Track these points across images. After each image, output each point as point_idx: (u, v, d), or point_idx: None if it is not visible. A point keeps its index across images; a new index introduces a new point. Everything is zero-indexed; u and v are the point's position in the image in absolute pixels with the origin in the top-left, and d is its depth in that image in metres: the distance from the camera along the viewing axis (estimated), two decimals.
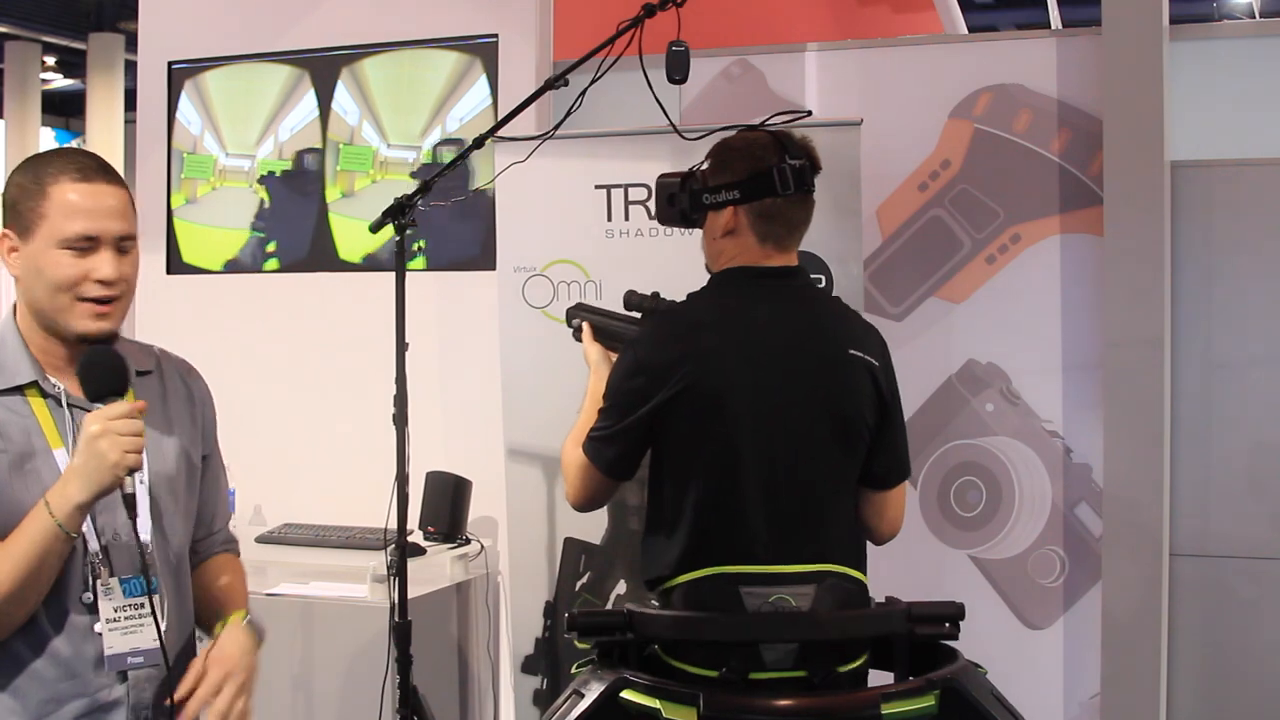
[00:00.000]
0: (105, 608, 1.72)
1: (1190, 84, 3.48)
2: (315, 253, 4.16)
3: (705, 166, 2.22)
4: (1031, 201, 3.56)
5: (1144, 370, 3.36)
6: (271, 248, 4.22)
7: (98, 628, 1.72)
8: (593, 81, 2.50)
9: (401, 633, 2.97)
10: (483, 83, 3.96)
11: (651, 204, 3.13)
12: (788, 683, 1.97)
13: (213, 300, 4.26)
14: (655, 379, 2.06)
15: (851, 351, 2.12)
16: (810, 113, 2.36)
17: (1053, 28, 7.41)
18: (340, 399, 4.01)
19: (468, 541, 3.72)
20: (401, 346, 2.91)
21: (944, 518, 3.64)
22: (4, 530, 1.66)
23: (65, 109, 21.50)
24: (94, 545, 1.73)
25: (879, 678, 2.11)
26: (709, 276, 2.24)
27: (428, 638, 3.23)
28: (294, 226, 4.20)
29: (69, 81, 20.09)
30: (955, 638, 2.02)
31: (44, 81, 19.48)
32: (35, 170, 1.71)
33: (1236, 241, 3.42)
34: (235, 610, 1.88)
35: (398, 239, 2.88)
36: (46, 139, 20.59)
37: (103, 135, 17.81)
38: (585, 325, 2.55)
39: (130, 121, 13.98)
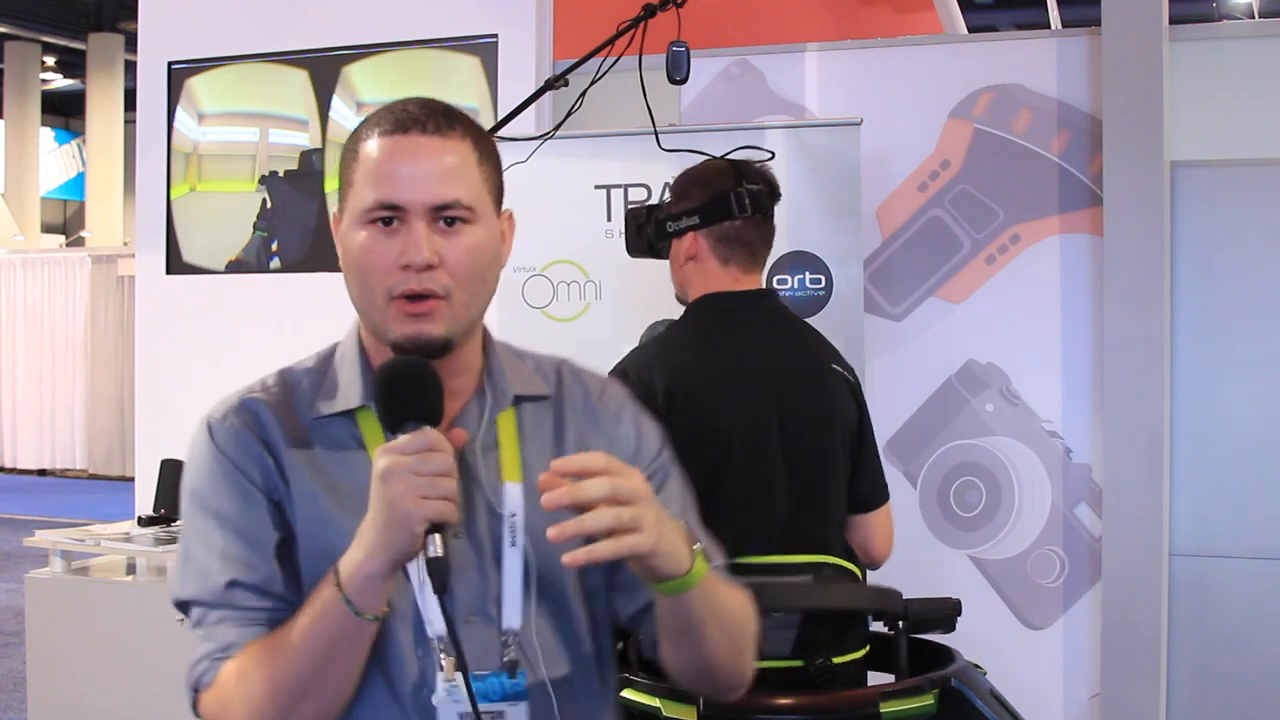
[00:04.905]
0: (446, 717, 1.25)
1: (1190, 84, 3.48)
2: (315, 253, 4.17)
3: (669, 198, 2.31)
4: (1031, 201, 3.56)
5: (1144, 370, 3.36)
6: (276, 247, 4.22)
7: None
8: (593, 82, 2.51)
9: None
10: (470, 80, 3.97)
11: (652, 204, 3.15)
12: (783, 673, 1.98)
13: (212, 300, 4.26)
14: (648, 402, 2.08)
15: (833, 366, 2.20)
16: (774, 154, 2.46)
17: (1052, 28, 7.40)
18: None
19: None
20: None
21: (944, 518, 3.64)
22: None
23: (65, 109, 21.53)
24: (435, 627, 1.24)
25: (879, 680, 2.11)
26: (684, 308, 2.28)
27: None
28: (295, 227, 4.20)
29: (69, 81, 20.13)
30: (951, 630, 2.04)
31: (44, 81, 19.52)
32: (359, 127, 1.31)
33: (1236, 241, 3.42)
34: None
35: None
36: (46, 139, 20.62)
37: (103, 135, 17.85)
38: None
39: (130, 121, 14.01)
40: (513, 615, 1.27)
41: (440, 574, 1.15)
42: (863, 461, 2.20)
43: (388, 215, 1.24)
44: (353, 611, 1.18)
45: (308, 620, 1.20)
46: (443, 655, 1.23)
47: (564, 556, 1.14)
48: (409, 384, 1.22)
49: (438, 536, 1.15)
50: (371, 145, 1.25)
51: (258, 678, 1.21)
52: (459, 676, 1.20)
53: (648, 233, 2.30)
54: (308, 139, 4.19)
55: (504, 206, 1.34)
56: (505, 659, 1.26)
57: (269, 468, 1.29)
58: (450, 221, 1.25)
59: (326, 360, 1.39)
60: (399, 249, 1.24)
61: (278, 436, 1.31)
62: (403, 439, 1.17)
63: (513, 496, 1.28)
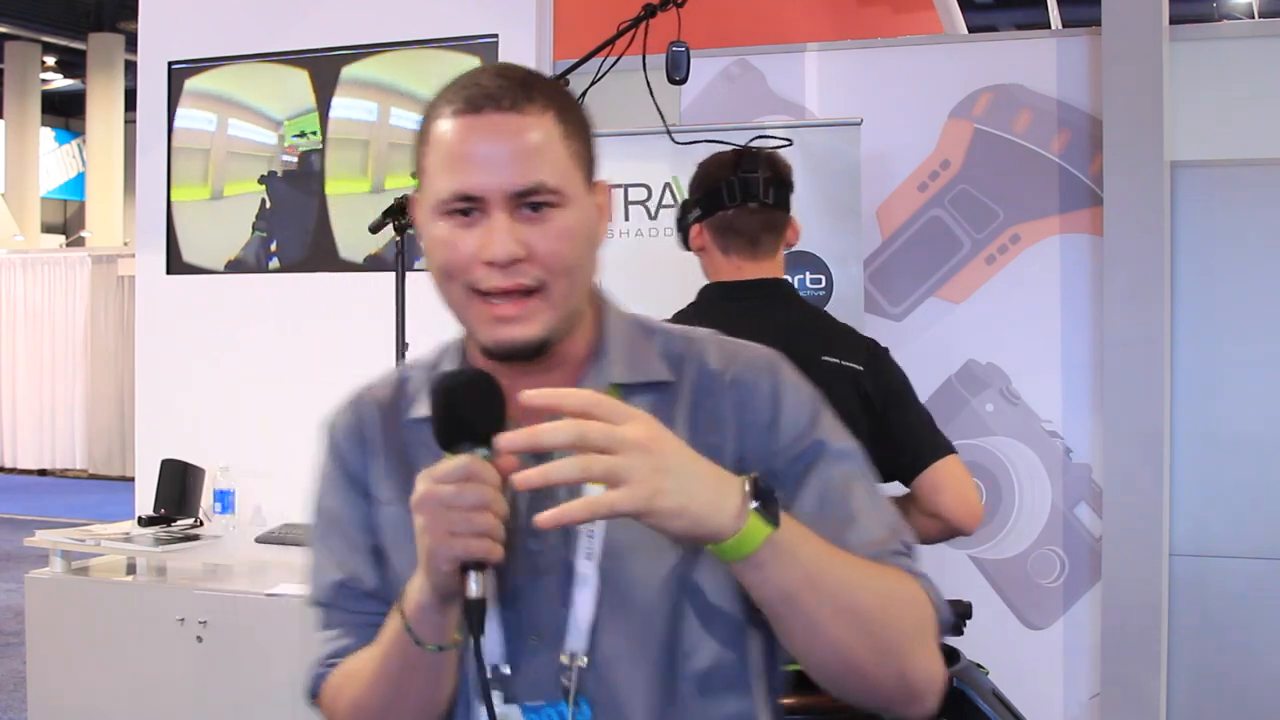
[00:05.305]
0: None
1: (1190, 84, 3.48)
2: (315, 253, 4.17)
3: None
4: (1031, 201, 3.57)
5: (1144, 370, 3.36)
6: (275, 247, 4.23)
7: None
8: (593, 82, 2.51)
9: None
10: None
11: (651, 204, 3.17)
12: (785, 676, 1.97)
13: (212, 300, 4.26)
14: None
15: (825, 358, 2.14)
16: (790, 141, 2.47)
17: (1052, 28, 7.40)
18: (340, 399, 4.01)
19: None
20: (401, 346, 2.91)
21: None
22: None
23: (65, 109, 21.55)
24: (491, 657, 1.13)
25: None
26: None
27: None
28: (294, 227, 4.20)
29: (69, 81, 20.15)
30: (960, 633, 2.03)
31: (44, 81, 19.53)
32: (430, 106, 1.16)
33: (1236, 242, 3.42)
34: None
35: (398, 239, 2.88)
36: (46, 139, 20.63)
37: (103, 135, 17.86)
38: None
39: (130, 121, 14.02)
40: (578, 640, 1.13)
41: (475, 617, 1.02)
42: (895, 432, 2.13)
43: (465, 206, 1.11)
44: (413, 640, 1.09)
45: (382, 645, 1.14)
46: (497, 688, 1.13)
47: (536, 517, 0.99)
48: (464, 401, 1.06)
49: (476, 575, 1.03)
50: (443, 127, 1.12)
51: (347, 698, 1.18)
52: (511, 710, 1.12)
53: (682, 226, 2.32)
54: (307, 139, 4.19)
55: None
56: (565, 688, 1.13)
57: (365, 468, 1.23)
58: (536, 207, 1.11)
59: (440, 356, 1.27)
60: (480, 242, 1.10)
61: (377, 436, 1.23)
62: (442, 466, 1.03)
63: None
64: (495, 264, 1.10)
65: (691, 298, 2.28)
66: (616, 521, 1.09)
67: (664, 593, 1.14)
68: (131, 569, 3.88)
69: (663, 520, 0.99)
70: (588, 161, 1.18)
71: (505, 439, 1.00)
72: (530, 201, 1.11)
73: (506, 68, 1.15)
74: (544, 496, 1.12)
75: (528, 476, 0.98)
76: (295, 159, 4.20)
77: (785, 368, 1.23)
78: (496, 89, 1.11)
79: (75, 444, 12.95)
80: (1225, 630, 3.41)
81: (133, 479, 4.35)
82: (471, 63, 3.96)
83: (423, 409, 1.20)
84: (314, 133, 4.17)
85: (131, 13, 5.04)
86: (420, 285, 4.07)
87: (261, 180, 4.24)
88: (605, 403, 1.00)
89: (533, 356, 1.14)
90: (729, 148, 2.32)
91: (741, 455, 1.16)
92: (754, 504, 1.02)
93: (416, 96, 4.04)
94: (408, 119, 4.05)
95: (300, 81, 4.19)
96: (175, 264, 4.34)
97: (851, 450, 1.20)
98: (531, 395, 1.00)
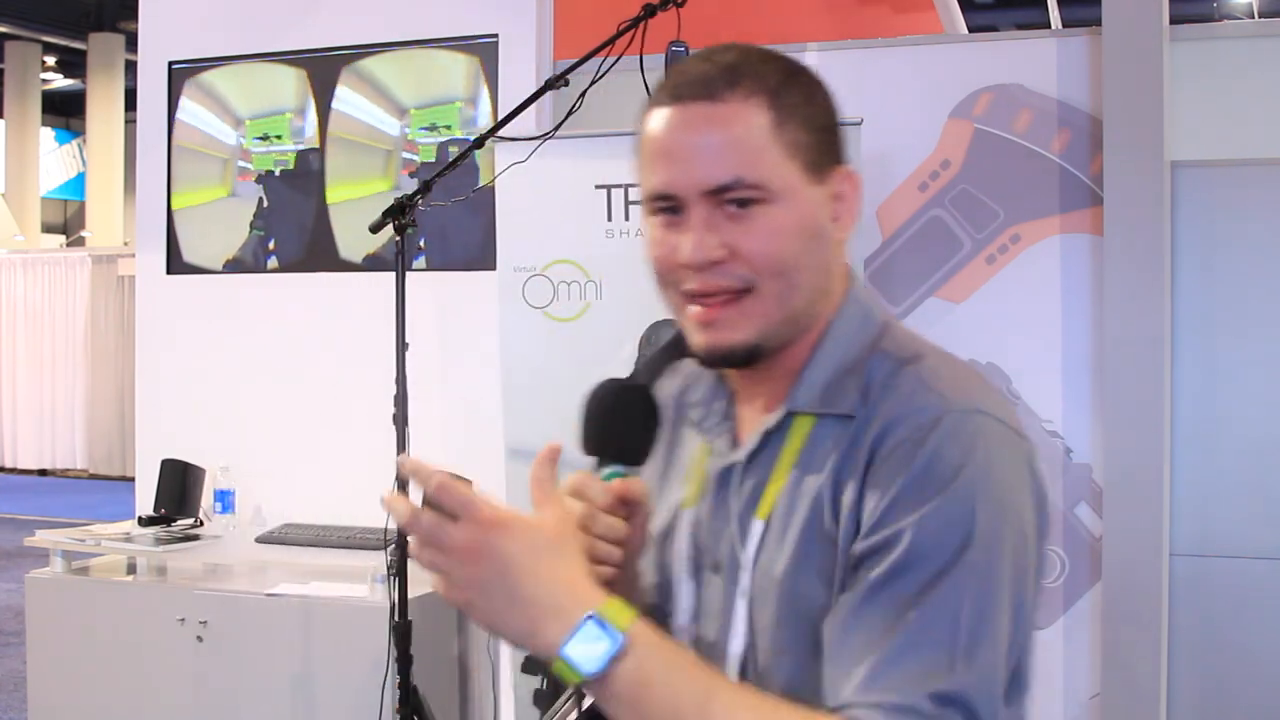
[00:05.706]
0: None
1: (1190, 84, 3.48)
2: (315, 253, 4.17)
3: None
4: (1031, 201, 3.56)
5: (1144, 370, 3.36)
6: (273, 246, 4.23)
7: None
8: (593, 82, 2.51)
9: (401, 633, 2.98)
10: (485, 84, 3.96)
11: None
12: None
13: (213, 300, 4.26)
14: None
15: None
16: None
17: (1052, 28, 7.40)
18: (340, 399, 4.01)
19: None
20: (401, 346, 2.91)
21: None
22: None
23: (65, 109, 21.55)
24: None
25: None
26: None
27: (428, 638, 3.23)
28: (293, 226, 4.20)
29: (69, 81, 20.14)
30: None
31: (44, 81, 19.53)
32: (651, 95, 1.09)
33: (1236, 241, 3.42)
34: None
35: (398, 239, 2.88)
36: (46, 139, 20.63)
37: (103, 135, 17.86)
38: None
39: (130, 121, 14.02)
40: (730, 674, 1.06)
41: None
42: None
43: (668, 204, 1.04)
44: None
45: None
46: None
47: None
48: (607, 419, 1.01)
49: None
50: (651, 120, 1.05)
51: None
52: None
53: None
54: (307, 138, 4.19)
55: (836, 160, 1.07)
56: None
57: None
58: (743, 203, 1.02)
59: None
60: (680, 243, 1.04)
61: (669, 408, 1.18)
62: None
63: (754, 539, 1.04)
64: (691, 266, 1.03)
65: None
66: (762, 562, 1.03)
67: (796, 641, 1.02)
68: (132, 569, 3.88)
69: (481, 623, 0.97)
70: (812, 149, 1.05)
71: (401, 460, 1.00)
72: (732, 198, 1.02)
73: (718, 51, 1.06)
74: (722, 524, 1.08)
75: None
76: (293, 159, 4.20)
77: (944, 427, 0.99)
78: (699, 76, 1.04)
79: (75, 444, 12.95)
80: (1225, 630, 3.41)
81: (133, 479, 4.35)
82: (471, 63, 3.97)
83: (696, 394, 1.19)
84: (279, 136, 4.18)
85: (131, 13, 5.04)
86: (420, 285, 4.09)
87: (259, 180, 4.24)
88: (449, 491, 0.96)
89: (744, 363, 1.06)
90: None
91: (858, 522, 0.99)
92: (562, 649, 0.92)
93: (416, 96, 4.04)
94: (393, 122, 4.05)
95: (299, 81, 4.19)
96: (175, 264, 4.34)
97: (944, 560, 0.95)
98: (401, 459, 1.00)
